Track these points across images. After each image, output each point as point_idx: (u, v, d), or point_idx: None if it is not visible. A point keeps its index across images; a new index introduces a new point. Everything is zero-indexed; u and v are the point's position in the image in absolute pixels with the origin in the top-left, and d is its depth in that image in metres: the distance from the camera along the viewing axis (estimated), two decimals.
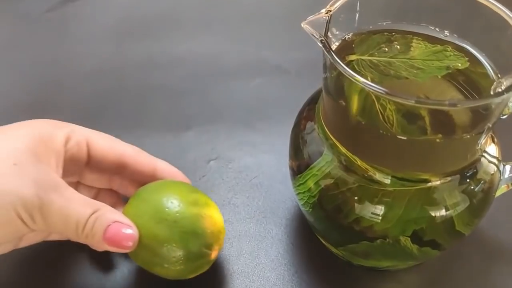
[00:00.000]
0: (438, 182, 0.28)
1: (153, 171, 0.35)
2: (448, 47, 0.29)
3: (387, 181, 0.28)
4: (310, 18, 0.27)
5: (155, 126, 0.46)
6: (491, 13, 0.27)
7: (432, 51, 0.29)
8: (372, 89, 0.23)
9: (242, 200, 0.39)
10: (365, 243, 0.30)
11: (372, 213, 0.29)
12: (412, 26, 0.31)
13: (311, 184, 0.31)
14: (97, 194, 0.37)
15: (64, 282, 0.35)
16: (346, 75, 0.24)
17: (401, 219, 0.29)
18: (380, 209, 0.28)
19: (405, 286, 0.34)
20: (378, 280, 0.34)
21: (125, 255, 0.35)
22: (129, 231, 0.29)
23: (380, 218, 0.29)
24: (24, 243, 0.32)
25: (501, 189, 0.33)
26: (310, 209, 0.32)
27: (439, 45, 0.29)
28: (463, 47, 0.30)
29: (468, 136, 0.26)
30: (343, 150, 0.29)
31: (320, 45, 0.25)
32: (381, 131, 0.26)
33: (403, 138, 0.26)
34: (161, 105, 0.48)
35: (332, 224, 0.31)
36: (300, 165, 0.32)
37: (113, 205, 0.34)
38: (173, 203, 0.31)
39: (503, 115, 0.27)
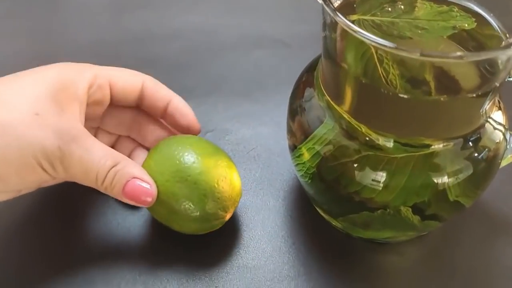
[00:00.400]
0: (440, 146, 0.27)
1: (167, 104, 0.35)
2: (454, 7, 0.28)
3: (390, 146, 0.27)
4: None
5: None
6: None
7: (438, 11, 0.28)
8: (376, 43, 0.22)
9: (240, 172, 0.38)
10: (366, 213, 0.29)
11: (374, 180, 0.28)
12: None
13: (311, 153, 0.30)
14: (117, 140, 0.37)
15: (81, 226, 0.35)
16: (348, 29, 0.22)
17: (403, 187, 0.28)
18: (382, 177, 0.27)
19: (405, 258, 0.33)
20: (377, 252, 0.33)
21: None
22: (148, 187, 0.29)
23: (382, 186, 0.28)
24: (45, 185, 0.32)
25: (507, 159, 0.31)
26: (309, 180, 0.31)
27: (444, 6, 0.28)
28: (470, 8, 0.28)
29: (473, 96, 0.25)
30: (345, 115, 0.28)
31: (320, 1, 0.24)
32: (384, 92, 0.25)
33: (406, 97, 0.25)
34: (158, 77, 0.47)
35: (332, 195, 0.30)
36: (299, 134, 0.31)
37: (133, 152, 0.36)
38: (195, 164, 0.30)
39: (510, 77, 0.26)
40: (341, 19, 0.23)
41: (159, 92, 0.35)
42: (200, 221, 0.30)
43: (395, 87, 0.26)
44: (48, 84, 0.29)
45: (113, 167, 0.29)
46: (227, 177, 0.31)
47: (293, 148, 0.32)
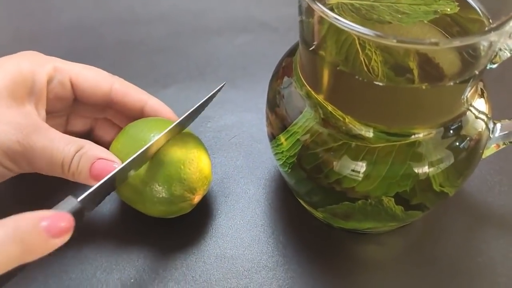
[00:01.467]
0: (421, 135, 0.26)
1: (141, 108, 0.34)
2: None
3: (370, 135, 0.26)
4: None
5: (133, 82, 0.44)
6: None
7: None
8: (353, 30, 0.21)
9: (220, 160, 0.37)
10: (346, 203, 0.29)
11: (354, 171, 0.27)
12: None
13: (290, 142, 0.29)
14: (95, 123, 0.36)
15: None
16: (325, 16, 0.21)
17: (384, 177, 0.27)
18: (362, 167, 0.27)
19: (386, 249, 0.32)
20: (358, 242, 0.32)
21: None
22: (113, 166, 0.28)
23: (363, 176, 0.27)
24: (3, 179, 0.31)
25: (491, 149, 0.31)
26: (289, 170, 0.30)
27: None
28: None
29: (455, 82, 0.24)
30: (324, 104, 0.27)
31: None
32: (363, 80, 0.24)
33: (386, 86, 0.24)
34: (140, 62, 0.46)
35: (312, 185, 0.30)
36: (278, 123, 0.30)
37: (111, 134, 0.35)
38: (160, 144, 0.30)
39: (493, 64, 0.25)
40: (317, 6, 0.22)
41: (131, 96, 0.34)
42: (167, 203, 0.30)
43: (377, 74, 0.25)
44: (6, 78, 0.28)
45: (77, 151, 0.28)
46: (194, 159, 0.30)
47: (272, 137, 0.31)
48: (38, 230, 0.23)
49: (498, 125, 0.30)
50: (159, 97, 0.42)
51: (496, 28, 0.21)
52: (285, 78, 0.30)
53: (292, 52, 0.31)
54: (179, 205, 0.30)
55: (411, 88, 0.24)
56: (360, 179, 0.27)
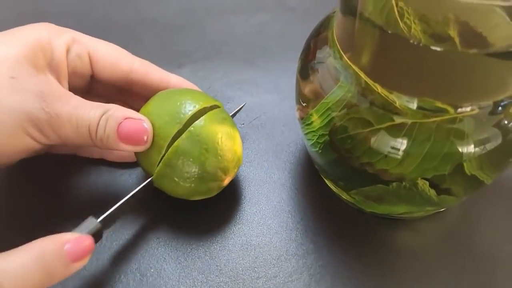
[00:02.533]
0: (467, 110, 0.24)
1: (165, 87, 0.32)
2: None
3: (412, 109, 0.24)
4: None
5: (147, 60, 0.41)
6: None
7: None
8: None
9: (242, 143, 0.35)
10: (380, 186, 0.27)
11: (393, 148, 0.25)
12: None
13: (323, 119, 0.27)
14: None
15: (69, 192, 0.32)
16: None
17: (425, 156, 0.25)
18: (402, 144, 0.25)
19: (421, 236, 0.31)
20: (392, 228, 0.31)
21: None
22: (142, 124, 0.27)
23: (402, 155, 0.25)
24: (29, 155, 0.29)
25: None
26: (320, 150, 0.28)
27: None
28: None
29: (504, 53, 0.22)
30: (362, 75, 0.25)
31: None
32: (407, 44, 0.22)
33: (432, 50, 0.22)
34: (153, 40, 0.44)
35: (345, 166, 0.28)
36: (310, 99, 0.28)
37: None
38: (197, 114, 0.28)
39: None
40: None
41: (153, 75, 0.32)
42: (197, 180, 0.28)
43: (418, 41, 0.23)
44: (24, 46, 0.26)
45: (103, 115, 0.26)
46: (231, 136, 0.28)
47: (303, 115, 0.29)
48: (62, 256, 0.23)
49: None
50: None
51: None
52: (319, 53, 0.28)
53: (323, 26, 0.29)
54: (209, 184, 0.28)
55: (459, 54, 0.22)
56: (398, 157, 0.25)
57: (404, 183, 0.26)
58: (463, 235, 0.30)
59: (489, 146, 0.26)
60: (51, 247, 0.23)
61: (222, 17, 0.46)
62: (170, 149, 0.27)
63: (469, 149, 0.25)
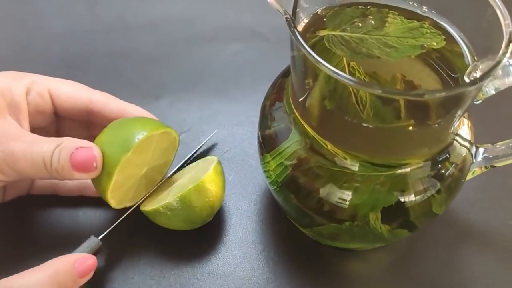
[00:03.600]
0: (408, 170, 0.27)
1: (122, 115, 0.34)
2: (425, 24, 0.28)
3: (356, 167, 0.27)
4: None
5: (126, 94, 0.43)
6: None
7: (408, 27, 0.28)
8: (339, 78, 0.21)
9: None
10: (333, 225, 0.30)
11: (339, 198, 0.28)
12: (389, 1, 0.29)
13: (277, 164, 0.30)
14: None
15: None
16: (311, 59, 0.22)
17: (370, 205, 0.28)
18: (348, 195, 0.28)
19: (372, 265, 0.34)
20: (345, 259, 0.34)
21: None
22: (91, 152, 0.29)
23: (348, 203, 0.28)
24: (7, 197, 0.32)
25: (474, 172, 0.32)
26: (277, 189, 0.31)
27: (416, 21, 0.28)
28: (441, 25, 0.28)
29: (440, 123, 0.25)
30: (311, 132, 0.27)
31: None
32: (352, 121, 0.25)
33: (374, 127, 0.25)
34: (133, 71, 0.46)
35: (298, 206, 0.31)
36: (267, 142, 0.31)
37: None
38: (148, 140, 0.31)
39: (477, 100, 0.26)
40: (304, 47, 0.22)
41: (112, 105, 0.34)
42: (190, 222, 0.33)
43: (365, 104, 0.26)
44: None
45: (56, 147, 0.28)
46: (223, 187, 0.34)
47: (262, 154, 0.32)
48: (72, 273, 0.28)
49: (481, 150, 0.31)
50: (152, 109, 0.42)
51: (482, 78, 0.22)
52: (278, 99, 0.31)
53: (286, 73, 0.32)
54: (198, 224, 0.33)
55: (397, 128, 0.25)
56: (345, 206, 0.28)
57: (356, 222, 0.29)
58: (409, 265, 0.34)
59: (429, 193, 0.28)
60: (63, 266, 0.28)
61: (199, 47, 0.49)
62: (179, 197, 0.31)
63: (410, 198, 0.28)
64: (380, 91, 0.21)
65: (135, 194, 0.33)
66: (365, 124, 0.25)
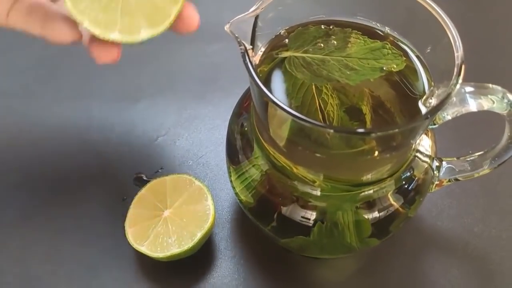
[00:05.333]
0: (371, 191, 0.28)
1: None
2: (387, 44, 0.28)
3: (318, 192, 0.28)
4: (235, 19, 0.25)
5: (104, 97, 0.44)
6: (432, 18, 0.25)
7: (370, 47, 0.28)
8: (288, 114, 0.22)
9: None
10: (301, 237, 0.30)
11: (303, 217, 0.28)
12: (352, 18, 0.29)
13: (241, 180, 0.30)
14: None
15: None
16: (264, 96, 0.23)
17: (335, 223, 0.29)
18: (311, 214, 0.28)
19: (340, 272, 0.35)
20: (314, 266, 0.35)
21: None
22: None
23: (312, 222, 0.29)
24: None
25: (439, 184, 0.33)
26: (241, 202, 0.32)
27: (378, 41, 0.28)
28: (402, 47, 0.28)
29: (399, 147, 0.26)
30: (273, 154, 0.28)
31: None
32: (314, 154, 0.25)
33: (333, 155, 0.25)
34: (112, 72, 0.46)
35: (263, 222, 0.31)
36: (233, 156, 0.31)
37: None
38: None
39: (434, 125, 0.26)
40: (258, 85, 0.23)
41: None
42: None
43: (333, 119, 0.26)
44: None
45: None
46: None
47: (228, 166, 0.32)
48: None
49: (445, 163, 0.32)
50: (131, 113, 0.43)
51: (433, 112, 0.22)
52: (244, 116, 0.31)
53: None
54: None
55: (358, 152, 0.25)
56: (310, 225, 0.29)
57: (324, 225, 0.30)
58: (375, 271, 0.35)
59: (392, 209, 0.29)
60: None
61: (179, 47, 0.49)
62: (189, 248, 0.32)
63: (374, 214, 0.29)
64: (332, 131, 0.22)
65: (104, 18, 0.25)
66: (322, 156, 0.25)
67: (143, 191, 0.35)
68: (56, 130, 0.42)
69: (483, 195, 0.38)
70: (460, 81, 0.23)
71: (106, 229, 0.36)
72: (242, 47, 0.23)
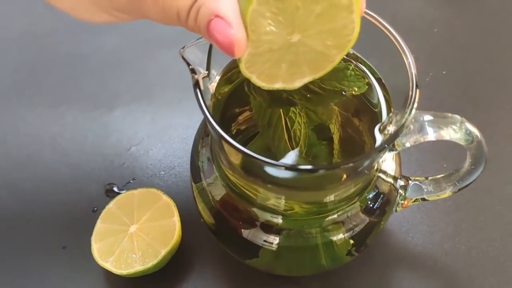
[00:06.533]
0: (335, 216, 0.27)
1: None
2: (350, 65, 0.28)
3: (280, 220, 0.27)
4: (189, 44, 0.24)
5: (80, 104, 0.44)
6: (394, 46, 0.25)
7: (334, 68, 0.27)
8: (239, 150, 0.22)
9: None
10: (265, 260, 0.30)
11: (266, 241, 0.28)
12: None
13: (202, 199, 0.30)
14: None
15: None
16: (210, 128, 0.22)
17: (299, 247, 0.29)
18: (273, 239, 0.28)
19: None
20: (279, 282, 0.35)
21: None
22: (231, 33, 0.21)
23: (276, 247, 0.28)
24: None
25: (405, 203, 0.32)
26: (204, 218, 0.32)
27: (342, 62, 0.27)
28: (364, 70, 0.28)
29: (356, 177, 0.25)
30: (231, 176, 0.27)
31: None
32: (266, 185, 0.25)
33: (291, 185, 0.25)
34: (90, 77, 0.46)
35: (224, 243, 0.31)
36: (196, 174, 0.31)
37: None
38: None
39: (394, 150, 0.26)
40: (210, 119, 0.22)
41: None
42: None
43: (299, 138, 0.26)
44: None
45: (193, 4, 0.22)
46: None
47: (190, 182, 0.32)
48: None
49: (411, 183, 0.31)
50: (106, 121, 0.43)
51: (380, 149, 0.22)
52: (207, 133, 0.31)
53: None
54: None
55: (314, 184, 0.25)
56: (274, 249, 0.28)
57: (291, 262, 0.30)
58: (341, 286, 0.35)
59: (358, 229, 0.29)
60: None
61: (159, 52, 0.48)
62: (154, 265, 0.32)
63: (339, 236, 0.29)
64: (283, 168, 0.21)
65: (270, 72, 0.24)
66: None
67: (111, 205, 0.35)
68: (29, 137, 0.42)
69: (455, 210, 0.38)
70: (413, 112, 0.22)
71: (75, 242, 0.36)
72: (193, 74, 0.23)
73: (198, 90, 0.23)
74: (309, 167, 0.22)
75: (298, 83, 0.24)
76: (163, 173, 0.40)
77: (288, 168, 0.21)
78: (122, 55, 0.48)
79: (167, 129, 0.42)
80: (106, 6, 0.24)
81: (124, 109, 0.44)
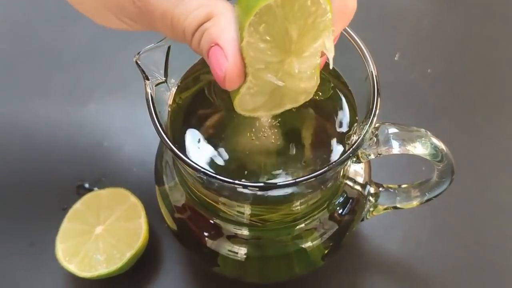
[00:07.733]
0: (303, 225, 0.27)
1: None
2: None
3: (245, 231, 0.27)
4: (145, 49, 0.23)
5: (54, 98, 0.43)
6: (359, 57, 0.24)
7: None
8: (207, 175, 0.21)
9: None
10: (231, 269, 0.30)
11: (231, 251, 0.28)
12: None
13: (164, 203, 0.29)
14: None
15: None
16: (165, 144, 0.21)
17: (266, 257, 0.28)
18: (238, 249, 0.27)
19: None
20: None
21: None
22: (223, 62, 0.21)
23: (245, 257, 0.28)
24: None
25: (377, 210, 0.31)
26: (167, 223, 0.31)
27: None
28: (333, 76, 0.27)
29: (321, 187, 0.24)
30: (191, 185, 0.26)
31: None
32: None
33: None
34: (62, 72, 0.45)
35: (189, 249, 0.31)
36: (158, 176, 0.30)
37: None
38: None
39: (358, 162, 0.25)
40: (167, 143, 0.21)
41: None
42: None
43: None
44: None
45: (201, 25, 0.22)
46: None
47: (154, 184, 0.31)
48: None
49: (382, 190, 0.30)
50: (79, 116, 0.42)
51: (340, 162, 0.21)
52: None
53: None
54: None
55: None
56: (241, 259, 0.27)
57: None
58: None
59: (326, 236, 0.29)
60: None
61: (132, 47, 0.46)
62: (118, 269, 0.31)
63: (308, 244, 0.28)
64: (242, 186, 0.21)
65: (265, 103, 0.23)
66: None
67: (78, 204, 0.34)
68: (0, 130, 0.41)
69: (431, 216, 0.37)
70: (373, 125, 0.21)
71: (43, 240, 0.36)
72: (146, 82, 0.22)
73: (150, 101, 0.22)
74: (260, 184, 0.21)
75: (278, 111, 0.24)
76: (135, 169, 0.39)
77: (247, 186, 0.21)
78: (97, 46, 0.47)
79: (141, 126, 0.41)
80: (119, 14, 0.24)
81: (97, 104, 0.43)
